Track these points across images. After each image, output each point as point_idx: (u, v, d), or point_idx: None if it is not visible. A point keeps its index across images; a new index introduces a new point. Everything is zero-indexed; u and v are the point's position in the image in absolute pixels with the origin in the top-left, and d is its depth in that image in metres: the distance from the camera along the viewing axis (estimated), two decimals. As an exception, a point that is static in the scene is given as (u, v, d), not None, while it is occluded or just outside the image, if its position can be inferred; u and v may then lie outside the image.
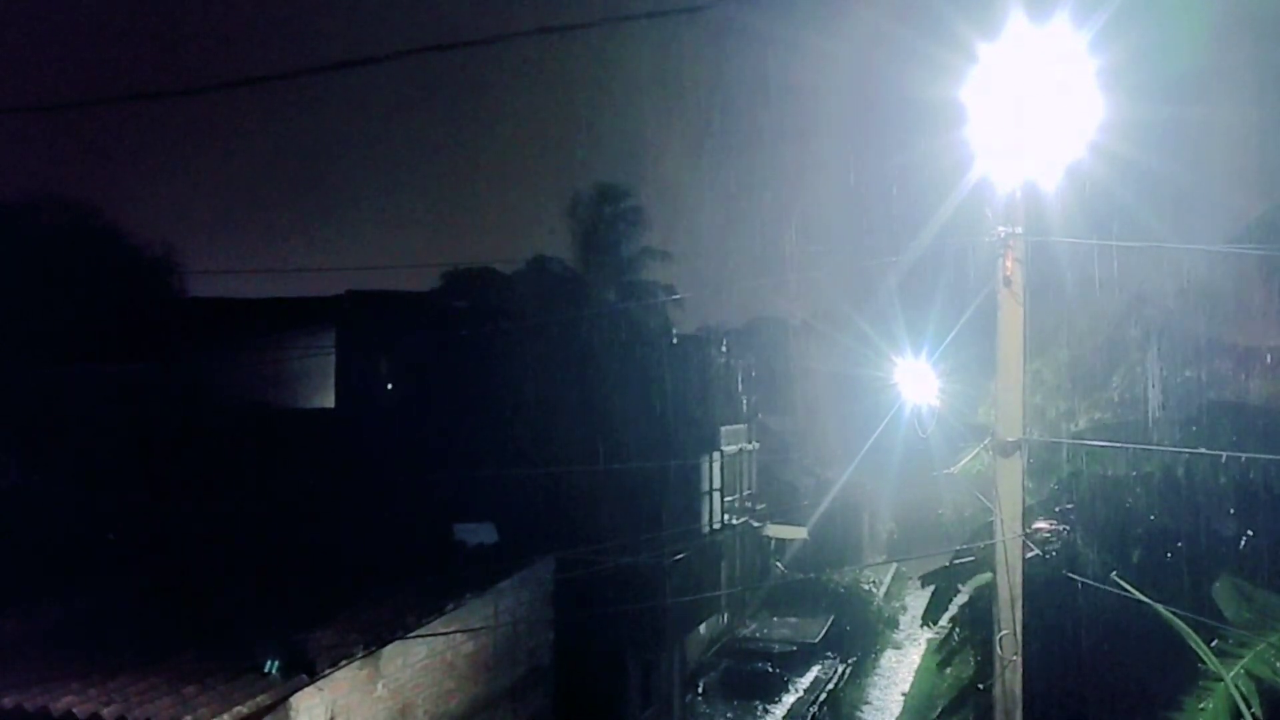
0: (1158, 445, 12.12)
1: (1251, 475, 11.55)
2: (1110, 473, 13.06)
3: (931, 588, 15.67)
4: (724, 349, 30.04)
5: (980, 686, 13.17)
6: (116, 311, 19.21)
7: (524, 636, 15.88)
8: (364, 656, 11.66)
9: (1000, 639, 9.29)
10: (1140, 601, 10.16)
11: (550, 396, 19.45)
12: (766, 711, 25.41)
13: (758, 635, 29.64)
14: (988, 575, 10.91)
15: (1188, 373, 16.85)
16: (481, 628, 14.36)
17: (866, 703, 27.18)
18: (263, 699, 10.13)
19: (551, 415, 19.32)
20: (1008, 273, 9.00)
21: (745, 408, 32.47)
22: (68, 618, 12.91)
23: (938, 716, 17.36)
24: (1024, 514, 9.58)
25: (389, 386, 20.95)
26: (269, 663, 10.55)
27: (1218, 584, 10.91)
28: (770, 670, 27.27)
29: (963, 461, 15.08)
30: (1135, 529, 12.76)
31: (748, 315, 41.68)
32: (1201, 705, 9.27)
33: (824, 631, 29.89)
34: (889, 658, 31.41)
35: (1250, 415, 12.76)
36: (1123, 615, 10.95)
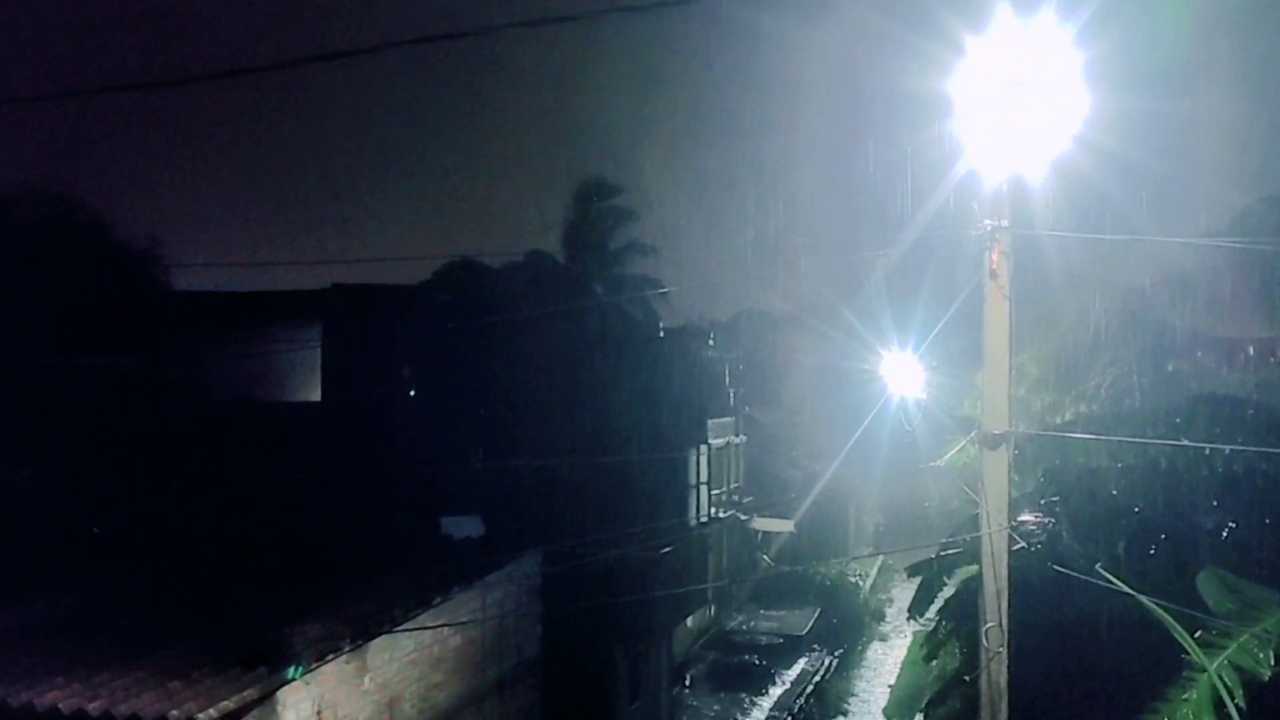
0: (1142, 438, 12.16)
1: (1235, 467, 11.62)
2: (1095, 465, 13.12)
3: (918, 580, 15.72)
4: (711, 342, 30.06)
5: (966, 678, 13.23)
6: (102, 305, 19.10)
7: (511, 630, 15.87)
8: (351, 650, 11.64)
9: (986, 631, 9.32)
10: (1124, 593, 10.21)
11: (537, 390, 19.44)
12: (753, 704, 25.47)
13: (745, 628, 29.72)
14: (974, 568, 10.94)
15: (1171, 365, 16.96)
16: (469, 621, 14.35)
17: (853, 695, 27.27)
18: (249, 694, 10.10)
19: (539, 409, 19.32)
20: (994, 266, 9.02)
21: (733, 401, 32.50)
22: (53, 613, 12.84)
23: (924, 708, 17.43)
24: (1010, 506, 9.61)
25: (375, 380, 20.88)
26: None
27: (1201, 575, 10.96)
28: (757, 662, 27.35)
29: (949, 454, 15.14)
30: (1120, 521, 12.83)
31: (735, 309, 41.70)
32: (1185, 696, 9.32)
33: (811, 624, 29.98)
34: (875, 650, 31.52)
35: (1233, 407, 12.83)
36: (1107, 607, 11.00)
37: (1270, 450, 10.91)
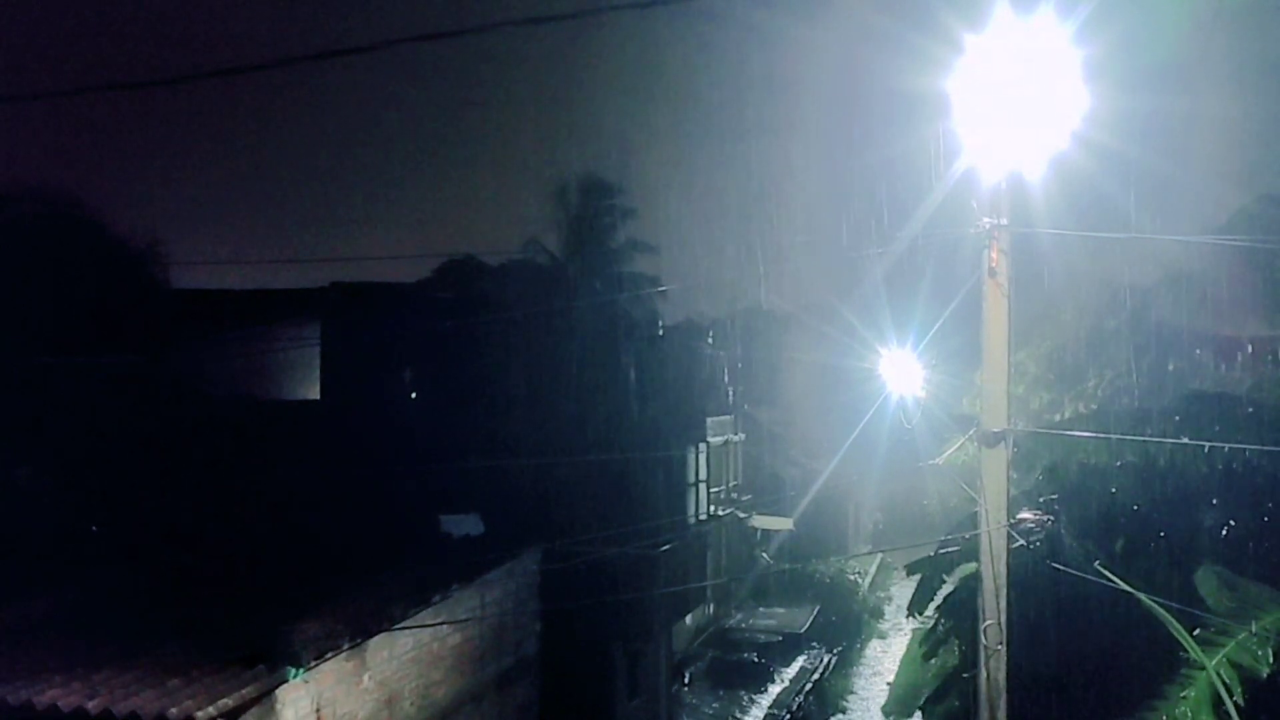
0: (1141, 436, 12.17)
1: (1234, 465, 11.63)
2: (1094, 463, 13.13)
3: (916, 578, 15.74)
4: (710, 340, 30.02)
5: (965, 675, 13.25)
6: (100, 304, 19.07)
7: (511, 628, 15.89)
8: (350, 648, 11.64)
9: (985, 628, 9.35)
10: (1123, 590, 10.22)
11: (536, 388, 19.43)
12: (753, 701, 25.49)
13: (744, 626, 29.73)
14: (973, 565, 10.96)
15: (1170, 363, 16.95)
16: (468, 619, 14.36)
17: (852, 692, 27.29)
18: (248, 691, 10.10)
19: (538, 407, 19.30)
20: (993, 264, 9.04)
21: (731, 399, 32.48)
22: (52, 611, 12.85)
23: (923, 705, 17.45)
24: (1008, 504, 9.63)
25: (374, 378, 20.88)
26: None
27: (1200, 573, 10.99)
28: (756, 660, 27.37)
29: (948, 452, 15.16)
30: (1118, 519, 12.84)
31: (734, 307, 41.64)
32: (1184, 693, 9.34)
33: (809, 622, 30.01)
34: (874, 647, 31.55)
35: (1232, 405, 12.83)
36: (1106, 604, 11.02)
37: (1269, 448, 10.92)
